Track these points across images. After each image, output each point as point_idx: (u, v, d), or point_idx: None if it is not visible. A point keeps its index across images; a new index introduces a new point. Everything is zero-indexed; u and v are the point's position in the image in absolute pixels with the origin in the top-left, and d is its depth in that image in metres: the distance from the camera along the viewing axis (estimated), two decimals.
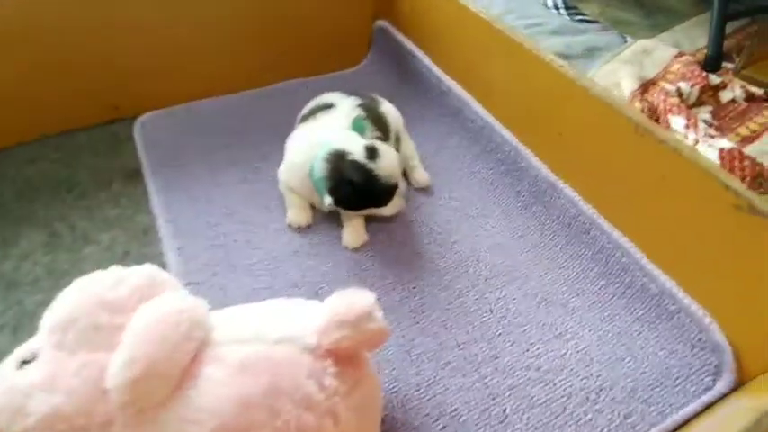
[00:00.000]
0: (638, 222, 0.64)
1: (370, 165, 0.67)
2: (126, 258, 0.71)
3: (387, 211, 0.73)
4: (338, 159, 0.69)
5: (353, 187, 0.67)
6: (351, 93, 0.82)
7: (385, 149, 0.70)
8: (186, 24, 0.92)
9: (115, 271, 0.48)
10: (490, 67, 0.81)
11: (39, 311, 0.64)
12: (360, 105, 0.78)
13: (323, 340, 0.43)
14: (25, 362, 0.43)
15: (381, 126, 0.79)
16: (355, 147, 0.69)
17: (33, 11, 0.81)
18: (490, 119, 0.83)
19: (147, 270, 0.48)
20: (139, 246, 0.73)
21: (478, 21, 0.79)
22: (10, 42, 0.81)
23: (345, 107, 0.78)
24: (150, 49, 0.91)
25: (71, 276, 0.68)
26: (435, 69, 0.92)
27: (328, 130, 0.75)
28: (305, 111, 0.83)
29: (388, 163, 0.68)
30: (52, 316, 0.45)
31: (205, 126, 0.93)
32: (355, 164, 0.67)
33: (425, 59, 0.95)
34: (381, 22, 1.05)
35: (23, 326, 0.64)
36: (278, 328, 0.44)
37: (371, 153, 0.68)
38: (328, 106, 0.78)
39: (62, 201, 0.79)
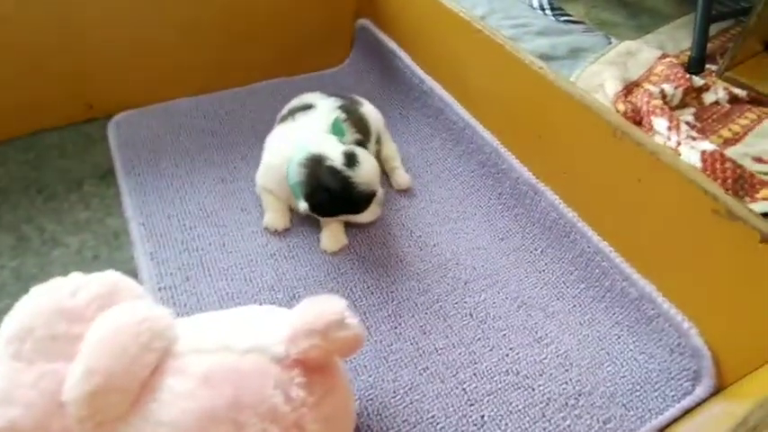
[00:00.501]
0: (618, 226, 0.63)
1: (348, 172, 0.66)
2: (95, 262, 0.69)
3: (364, 218, 0.71)
4: (315, 164, 0.67)
5: (330, 194, 0.66)
6: (331, 93, 0.80)
7: (364, 156, 0.68)
8: (163, 21, 0.90)
9: (75, 278, 0.46)
10: (471, 67, 0.80)
11: (1, 319, 0.63)
12: (340, 107, 0.77)
13: (291, 350, 0.41)
14: None
15: (362, 128, 0.78)
16: (333, 152, 0.67)
17: (1, 5, 0.78)
18: (472, 120, 0.82)
19: (109, 277, 0.47)
20: (110, 250, 0.71)
21: (459, 20, 0.78)
22: None
23: (325, 108, 0.76)
24: (126, 47, 0.89)
25: (39, 281, 0.66)
26: (417, 69, 0.91)
27: (307, 131, 0.73)
28: (284, 111, 0.81)
29: (366, 170, 0.67)
30: (9, 325, 0.43)
31: (182, 126, 0.91)
32: (333, 170, 0.66)
33: (407, 59, 0.94)
34: (363, 21, 1.03)
35: None
36: (246, 338, 0.42)
37: (350, 159, 0.67)
38: (307, 107, 0.77)
39: (31, 203, 0.77)
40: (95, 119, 0.91)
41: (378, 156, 0.82)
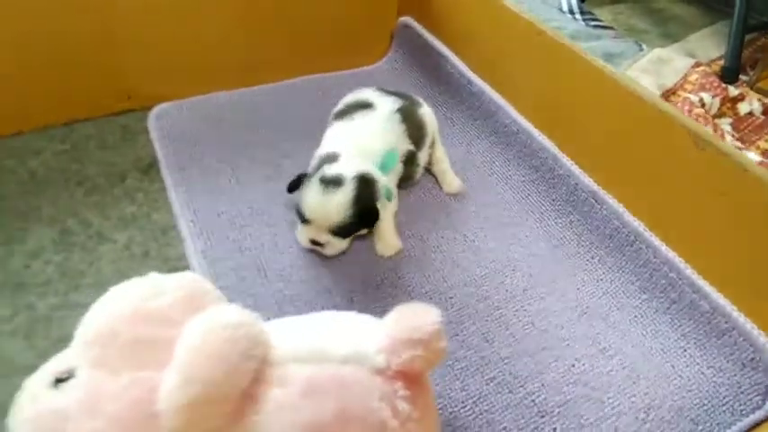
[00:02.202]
0: (690, 238, 0.62)
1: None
2: (146, 259, 0.66)
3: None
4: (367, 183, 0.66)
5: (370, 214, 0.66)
6: (389, 91, 0.78)
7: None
8: (204, 15, 0.87)
9: (153, 278, 0.44)
10: (529, 70, 0.78)
11: (54, 316, 0.61)
12: (399, 110, 0.74)
13: (392, 361, 0.39)
14: (60, 380, 0.39)
15: (418, 133, 0.76)
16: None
17: None
18: (526, 124, 0.80)
19: (188, 277, 0.44)
20: (159, 246, 0.68)
21: (519, 21, 0.76)
22: (10, 25, 0.75)
23: (384, 110, 0.74)
24: (166, 39, 0.86)
25: (87, 278, 0.65)
26: (466, 70, 0.89)
27: (365, 134, 0.71)
28: (340, 106, 0.78)
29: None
30: (88, 329, 0.41)
31: (222, 120, 0.88)
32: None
33: (455, 59, 0.92)
34: (406, 19, 1.01)
35: (36, 332, 0.59)
36: (342, 346, 0.40)
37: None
38: (366, 105, 0.74)
39: (71, 195, 0.74)
40: (132, 110, 0.89)
41: (428, 159, 0.80)
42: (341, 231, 0.66)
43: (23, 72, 0.79)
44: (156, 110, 0.88)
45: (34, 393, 0.39)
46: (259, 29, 0.94)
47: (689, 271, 0.63)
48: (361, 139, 0.70)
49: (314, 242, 0.67)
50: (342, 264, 0.69)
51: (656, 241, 0.66)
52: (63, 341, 0.58)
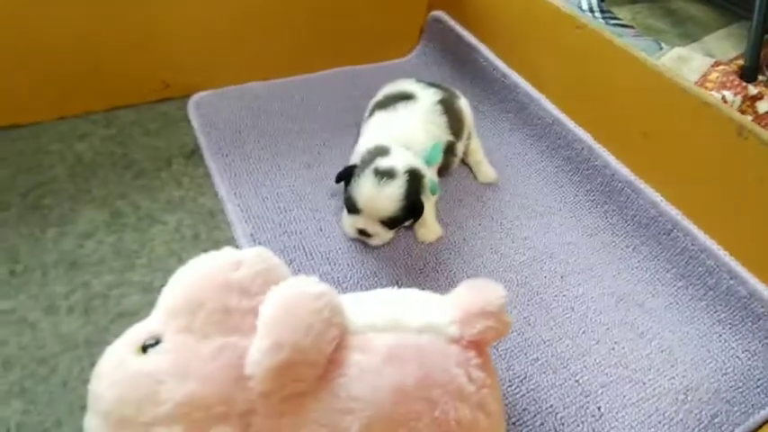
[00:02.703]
0: (729, 226, 0.64)
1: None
2: (197, 241, 0.68)
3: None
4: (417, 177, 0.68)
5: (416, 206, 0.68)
6: (429, 83, 0.80)
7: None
8: (241, 7, 0.89)
9: (230, 252, 0.46)
10: (568, 63, 0.80)
11: (110, 293, 0.63)
12: (440, 101, 0.76)
13: (466, 331, 0.41)
14: (146, 347, 0.41)
15: (458, 124, 0.78)
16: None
17: None
18: (561, 116, 0.82)
19: (263, 253, 0.46)
20: (208, 229, 0.70)
21: (559, 15, 0.78)
22: (48, 11, 0.76)
23: (427, 101, 0.76)
24: (204, 29, 0.88)
25: (142, 257, 0.67)
26: (500, 63, 0.91)
27: (408, 124, 0.73)
28: (380, 97, 0.80)
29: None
30: (172, 298, 0.42)
31: (260, 109, 0.90)
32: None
33: (487, 52, 0.94)
34: (437, 13, 1.03)
35: (95, 308, 0.60)
36: (416, 317, 0.42)
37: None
38: (408, 96, 0.76)
39: (120, 178, 0.75)
40: (171, 98, 0.90)
41: (465, 149, 0.82)
42: (390, 222, 0.68)
43: (62, 57, 0.80)
44: (194, 98, 0.89)
45: (121, 359, 0.41)
46: (292, 22, 0.95)
47: (727, 258, 0.65)
48: (406, 130, 0.72)
49: (361, 232, 0.69)
50: (384, 249, 0.71)
51: (695, 229, 0.68)
52: (122, 317, 0.61)
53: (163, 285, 0.44)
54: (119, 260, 0.65)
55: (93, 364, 0.41)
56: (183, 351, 0.39)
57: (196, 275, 0.43)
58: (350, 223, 0.69)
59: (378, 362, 0.38)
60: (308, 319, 0.38)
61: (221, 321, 0.40)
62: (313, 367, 0.38)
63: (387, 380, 0.38)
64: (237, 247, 0.68)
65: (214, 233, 0.70)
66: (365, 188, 0.66)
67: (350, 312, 0.43)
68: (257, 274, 0.43)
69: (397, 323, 0.41)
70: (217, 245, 0.68)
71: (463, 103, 0.81)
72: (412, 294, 0.47)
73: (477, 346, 0.42)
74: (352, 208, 0.68)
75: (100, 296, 0.62)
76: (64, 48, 0.80)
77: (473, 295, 0.43)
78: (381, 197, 0.65)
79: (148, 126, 0.85)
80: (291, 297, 0.40)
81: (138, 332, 0.42)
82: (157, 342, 0.41)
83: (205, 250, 0.63)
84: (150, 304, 0.44)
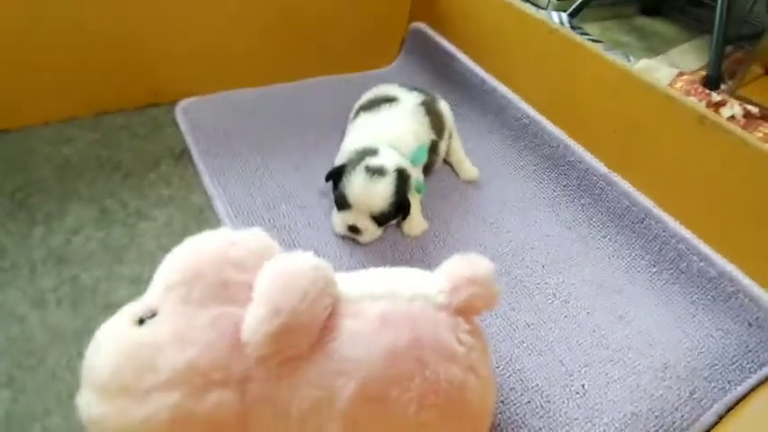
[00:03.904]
0: (696, 211, 0.68)
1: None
2: (187, 235, 0.68)
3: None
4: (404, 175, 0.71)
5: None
6: (411, 87, 0.83)
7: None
8: (224, 17, 0.92)
9: (226, 231, 0.47)
10: (542, 67, 0.84)
11: (99, 286, 0.63)
12: (422, 103, 0.80)
13: (454, 299, 0.43)
14: (143, 320, 0.41)
15: (439, 125, 0.81)
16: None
17: None
18: (537, 116, 0.86)
19: (258, 233, 0.48)
20: (198, 224, 0.71)
21: (531, 21, 0.83)
22: (35, 18, 0.78)
23: (409, 104, 0.79)
24: (192, 38, 0.90)
25: (131, 251, 0.67)
26: (479, 70, 0.95)
27: (392, 124, 0.76)
28: (363, 101, 0.83)
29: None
30: (169, 272, 0.43)
31: (247, 114, 0.92)
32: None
33: (466, 60, 0.98)
34: (418, 24, 1.08)
35: (83, 300, 0.61)
36: (407, 287, 0.44)
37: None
38: (391, 99, 0.79)
39: (108, 178, 0.76)
40: (159, 104, 0.92)
41: (446, 149, 0.85)
42: (380, 218, 0.70)
43: (50, 63, 0.81)
44: (182, 103, 0.91)
45: (116, 332, 0.41)
46: (277, 32, 0.98)
47: (696, 241, 0.68)
48: (391, 131, 0.75)
49: (352, 228, 0.70)
50: (372, 243, 0.73)
51: (665, 216, 0.71)
52: (111, 308, 0.60)
53: (153, 277, 0.45)
54: (107, 254, 0.66)
55: (81, 355, 0.41)
56: (180, 321, 0.40)
57: (193, 250, 0.44)
58: (340, 220, 0.71)
59: (369, 326, 0.40)
60: (303, 287, 0.40)
61: (218, 293, 0.41)
62: (308, 332, 0.39)
63: (378, 342, 0.39)
64: None
65: (204, 228, 0.68)
66: (357, 184, 0.68)
67: (343, 285, 0.44)
68: (253, 252, 0.44)
69: (391, 292, 0.43)
70: None
71: (443, 105, 0.84)
72: (403, 269, 0.49)
73: (466, 313, 0.43)
74: (344, 204, 0.70)
75: (88, 289, 0.62)
76: (52, 54, 0.81)
77: (462, 266, 0.45)
78: (372, 193, 0.68)
79: (136, 130, 0.86)
80: (287, 266, 0.41)
81: (133, 307, 0.43)
82: (154, 315, 0.41)
83: None
84: (141, 295, 0.44)
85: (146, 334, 0.40)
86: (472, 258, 0.46)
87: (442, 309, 0.43)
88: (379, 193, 0.68)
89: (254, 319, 0.39)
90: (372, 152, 0.71)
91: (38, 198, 0.72)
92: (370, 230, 0.71)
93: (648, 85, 0.68)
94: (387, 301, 0.42)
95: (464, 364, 0.40)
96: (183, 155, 0.82)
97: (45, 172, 0.76)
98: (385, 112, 0.78)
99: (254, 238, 0.46)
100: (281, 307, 0.38)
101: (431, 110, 0.81)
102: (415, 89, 0.84)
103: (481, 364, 0.41)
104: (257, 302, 0.39)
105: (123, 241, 0.67)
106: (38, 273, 0.63)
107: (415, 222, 0.75)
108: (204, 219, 0.72)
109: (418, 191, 0.75)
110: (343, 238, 0.73)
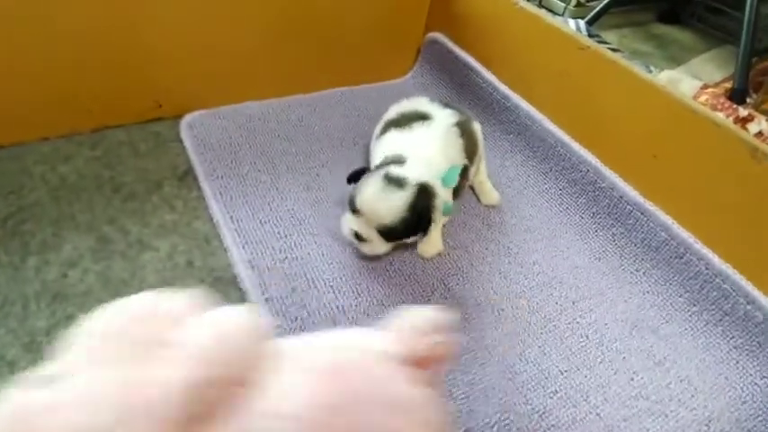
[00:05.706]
0: (746, 250, 0.63)
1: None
2: (191, 269, 0.64)
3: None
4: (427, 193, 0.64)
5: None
6: (444, 104, 0.77)
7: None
8: (231, 25, 0.86)
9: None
10: (571, 85, 0.79)
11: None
12: (456, 124, 0.73)
13: (401, 348, 0.39)
14: (43, 383, 0.37)
15: (472, 146, 0.75)
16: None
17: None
18: (565, 137, 0.81)
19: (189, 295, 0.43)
20: (203, 255, 0.66)
21: (561, 36, 0.77)
22: (36, 29, 0.73)
23: (443, 123, 0.72)
24: (197, 49, 0.84)
25: (131, 287, 0.62)
26: (500, 84, 0.90)
27: (426, 145, 0.70)
28: (393, 115, 0.76)
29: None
30: (81, 332, 0.39)
31: (256, 129, 0.87)
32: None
33: (486, 73, 0.93)
34: (434, 35, 1.02)
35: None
36: (354, 338, 0.40)
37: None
38: (424, 116, 0.73)
39: (108, 202, 0.71)
40: (163, 118, 0.86)
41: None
42: (386, 233, 0.63)
43: (48, 77, 0.76)
44: (187, 118, 0.86)
45: (10, 397, 0.36)
46: (288, 41, 0.93)
47: (743, 282, 0.63)
48: (423, 152, 0.68)
49: (356, 236, 0.64)
50: (391, 275, 0.68)
51: (709, 253, 0.66)
52: None
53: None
54: (107, 291, 0.61)
55: None
56: (86, 382, 0.35)
57: (108, 311, 0.40)
58: (348, 223, 0.65)
59: (307, 379, 0.35)
60: (233, 339, 0.35)
61: (131, 352, 0.37)
62: (234, 386, 0.35)
63: (316, 397, 0.35)
64: (235, 274, 0.65)
65: (209, 260, 0.66)
66: (369, 190, 0.62)
67: (286, 342, 0.40)
68: (182, 309, 0.40)
69: (334, 344, 0.39)
70: (212, 272, 0.65)
71: (477, 127, 0.78)
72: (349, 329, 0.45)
73: (417, 363, 0.39)
74: (353, 207, 0.64)
75: None
76: (52, 66, 0.76)
77: (409, 316, 0.41)
78: (382, 204, 0.62)
79: (138, 147, 0.81)
80: (216, 324, 0.37)
81: (35, 375, 0.38)
82: (59, 378, 0.37)
83: (200, 278, 0.59)
84: None
85: (41, 396, 0.35)
86: (420, 309, 0.42)
87: (391, 358, 0.38)
88: (390, 206, 0.62)
89: (168, 382, 0.34)
90: (399, 160, 0.65)
91: (32, 224, 0.66)
92: (375, 243, 0.64)
93: (693, 109, 0.63)
94: (329, 352, 0.38)
95: (417, 418, 0.36)
96: (186, 175, 0.77)
97: (40, 194, 0.71)
98: (418, 131, 0.72)
99: (180, 299, 0.41)
100: (207, 358, 0.34)
101: (465, 131, 0.74)
102: (448, 106, 0.77)
103: (429, 415, 0.37)
104: (174, 362, 0.35)
105: (124, 275, 0.62)
106: (30, 311, 0.58)
107: (432, 243, 0.70)
108: (211, 249, 0.67)
109: (445, 213, 0.68)
110: (360, 270, 0.68)
